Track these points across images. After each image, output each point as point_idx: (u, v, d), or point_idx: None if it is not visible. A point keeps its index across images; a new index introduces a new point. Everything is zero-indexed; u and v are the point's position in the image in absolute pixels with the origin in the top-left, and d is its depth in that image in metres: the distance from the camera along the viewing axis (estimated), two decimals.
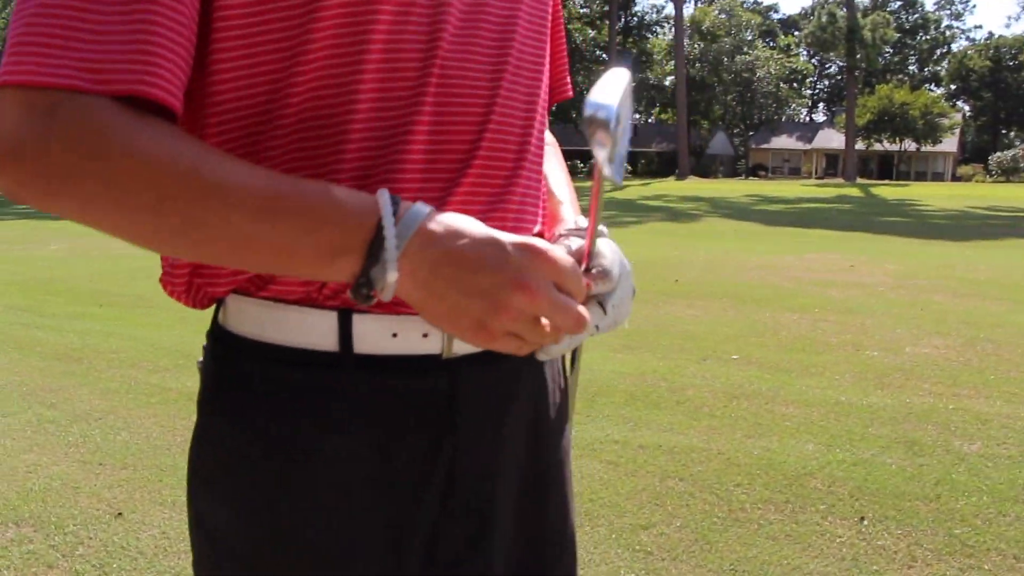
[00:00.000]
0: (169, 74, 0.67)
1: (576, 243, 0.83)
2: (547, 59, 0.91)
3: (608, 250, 0.81)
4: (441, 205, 0.76)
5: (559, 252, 0.67)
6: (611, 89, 0.67)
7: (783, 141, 64.06)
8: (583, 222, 0.90)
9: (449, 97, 0.79)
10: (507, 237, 0.66)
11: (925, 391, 4.45)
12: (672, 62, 52.53)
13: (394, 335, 0.78)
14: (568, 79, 1.07)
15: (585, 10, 56.18)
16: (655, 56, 59.57)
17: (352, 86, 0.75)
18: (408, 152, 0.76)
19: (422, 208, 0.67)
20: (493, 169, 0.82)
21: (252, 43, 0.74)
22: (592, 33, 55.93)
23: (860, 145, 54.99)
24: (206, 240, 0.67)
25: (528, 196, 0.86)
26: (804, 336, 5.80)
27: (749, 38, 62.32)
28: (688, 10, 58.23)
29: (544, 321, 0.67)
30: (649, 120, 69.28)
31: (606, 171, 0.67)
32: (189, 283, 0.81)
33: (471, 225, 0.67)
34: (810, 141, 63.57)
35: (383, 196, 0.67)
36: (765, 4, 69.65)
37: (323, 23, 0.73)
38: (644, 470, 3.36)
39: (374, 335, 0.78)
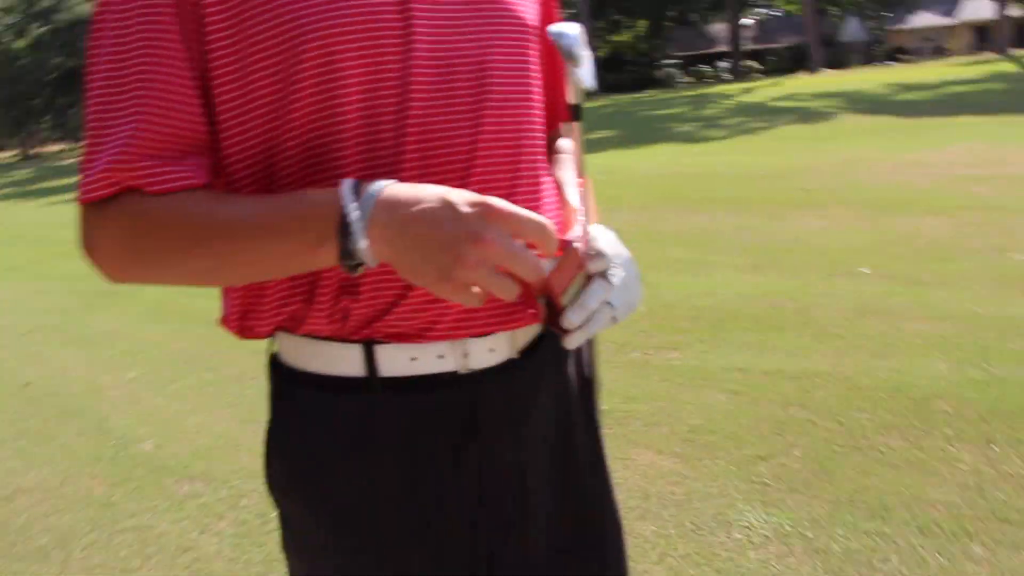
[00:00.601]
0: (175, 168, 0.84)
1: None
2: (536, 91, 0.98)
3: (604, 236, 0.92)
4: None
5: (514, 208, 0.74)
6: (564, 25, 0.82)
7: (923, 19, 59.50)
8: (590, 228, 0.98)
9: (430, 150, 0.88)
10: (461, 197, 0.74)
11: None
12: None
13: (413, 359, 0.91)
14: None
15: None
16: None
17: (335, 153, 0.87)
18: None
19: (380, 183, 0.77)
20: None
21: (243, 116, 0.88)
22: None
23: (1015, 11, 50.38)
24: (230, 265, 0.84)
25: None
26: (943, 242, 5.56)
27: None
28: None
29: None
30: (775, 13, 65.75)
31: (585, 84, 0.83)
32: (240, 325, 0.97)
33: (428, 190, 0.76)
34: (954, 14, 58.82)
35: (343, 184, 0.78)
36: None
37: (298, 106, 0.86)
38: (766, 398, 3.39)
39: (395, 360, 0.91)
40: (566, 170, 1.08)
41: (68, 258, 8.85)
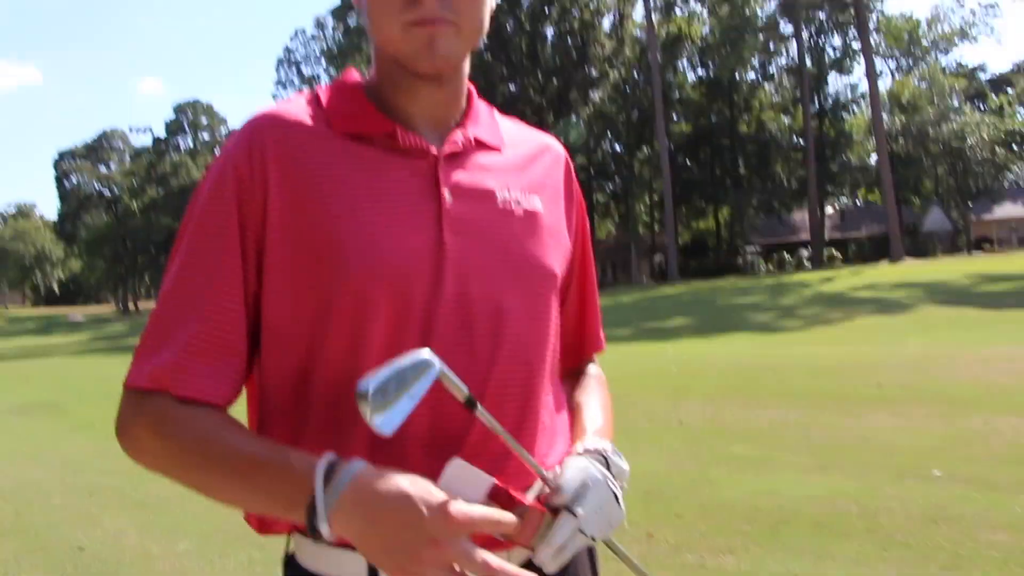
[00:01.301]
0: (210, 380, 0.97)
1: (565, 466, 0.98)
2: (554, 332, 1.09)
3: (571, 468, 0.97)
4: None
5: (469, 511, 0.82)
6: (385, 368, 0.84)
7: (1008, 209, 59.09)
8: (597, 443, 1.04)
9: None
10: (425, 501, 0.82)
11: None
12: (873, 140, 50.37)
13: None
14: (600, 332, 1.28)
15: (777, 98, 55.41)
16: (854, 136, 57.42)
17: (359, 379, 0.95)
18: (409, 436, 0.95)
19: (351, 469, 0.86)
20: (490, 440, 0.97)
21: (286, 334, 1.00)
22: (787, 120, 54.92)
23: None
24: (218, 494, 0.96)
25: (533, 453, 1.03)
26: (1022, 443, 5.30)
27: (955, 104, 58.88)
28: (885, 84, 55.88)
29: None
30: (856, 202, 66.34)
31: (369, 419, 0.82)
32: (260, 522, 1.06)
33: (393, 487, 0.83)
34: None
35: (320, 465, 0.86)
36: (970, 66, 65.32)
37: (333, 332, 0.97)
38: None
39: None
40: (590, 395, 1.20)
41: None
